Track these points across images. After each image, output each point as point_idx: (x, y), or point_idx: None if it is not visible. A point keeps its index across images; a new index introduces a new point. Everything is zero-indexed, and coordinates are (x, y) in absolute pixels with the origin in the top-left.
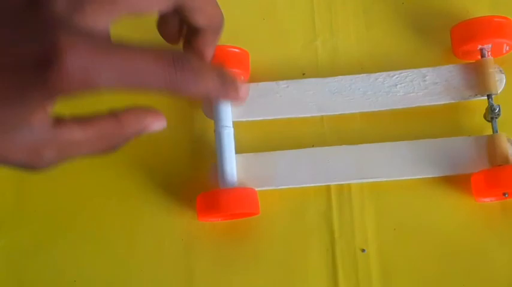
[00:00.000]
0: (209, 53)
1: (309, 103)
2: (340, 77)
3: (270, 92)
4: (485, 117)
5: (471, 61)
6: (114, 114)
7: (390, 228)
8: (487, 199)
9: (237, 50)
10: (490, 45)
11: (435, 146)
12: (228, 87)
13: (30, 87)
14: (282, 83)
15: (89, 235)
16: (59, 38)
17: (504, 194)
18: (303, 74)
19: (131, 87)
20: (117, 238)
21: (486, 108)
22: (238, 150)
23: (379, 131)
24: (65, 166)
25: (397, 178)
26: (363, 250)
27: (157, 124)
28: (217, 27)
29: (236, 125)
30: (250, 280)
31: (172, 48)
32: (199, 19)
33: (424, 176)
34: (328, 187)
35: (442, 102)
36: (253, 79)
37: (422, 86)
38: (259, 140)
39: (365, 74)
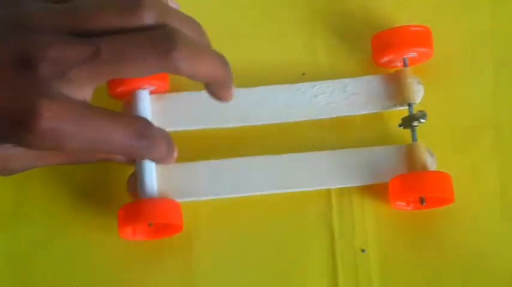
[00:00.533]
0: (227, 97)
1: (230, 113)
2: (261, 87)
3: (192, 102)
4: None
5: (392, 70)
6: None
7: (390, 228)
8: (404, 204)
9: None
10: (408, 55)
11: (356, 155)
12: (170, 155)
13: (3, 138)
14: (205, 93)
15: (88, 234)
16: (37, 101)
17: (421, 201)
18: (303, 74)
19: (96, 150)
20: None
21: (402, 118)
22: None
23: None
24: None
25: (319, 188)
26: (363, 250)
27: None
28: (223, 81)
29: None
30: (250, 280)
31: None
32: (196, 80)
33: (344, 186)
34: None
35: (363, 112)
36: (254, 80)
37: (343, 96)
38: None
39: (287, 85)
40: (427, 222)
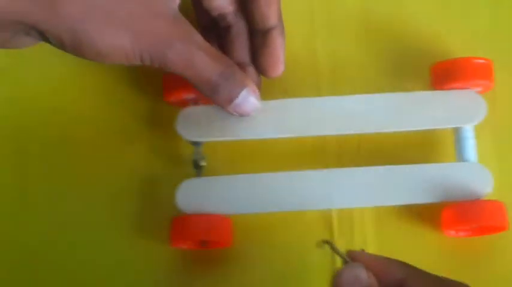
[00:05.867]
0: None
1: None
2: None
3: None
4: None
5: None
6: None
7: (389, 228)
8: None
9: None
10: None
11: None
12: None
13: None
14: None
15: (87, 234)
16: None
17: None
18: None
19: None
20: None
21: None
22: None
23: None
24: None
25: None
26: (362, 250)
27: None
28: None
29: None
30: (248, 281)
31: None
32: None
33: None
34: None
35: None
36: None
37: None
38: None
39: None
40: (426, 222)
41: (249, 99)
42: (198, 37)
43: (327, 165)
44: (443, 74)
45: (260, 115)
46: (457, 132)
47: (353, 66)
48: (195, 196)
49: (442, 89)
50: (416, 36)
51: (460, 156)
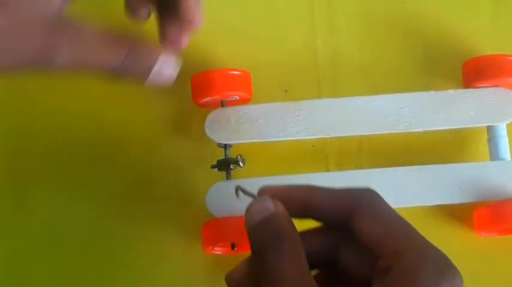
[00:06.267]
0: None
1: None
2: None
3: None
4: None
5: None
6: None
7: None
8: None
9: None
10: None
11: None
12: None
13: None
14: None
15: (86, 239)
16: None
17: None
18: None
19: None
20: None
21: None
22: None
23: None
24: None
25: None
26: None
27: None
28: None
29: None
30: None
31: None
32: None
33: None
34: None
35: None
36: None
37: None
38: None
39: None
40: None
41: (163, 68)
42: (88, 30)
43: (360, 165)
44: (475, 71)
45: (289, 116)
46: (490, 130)
47: (354, 66)
48: (225, 198)
49: (472, 87)
50: (416, 36)
51: (494, 155)
